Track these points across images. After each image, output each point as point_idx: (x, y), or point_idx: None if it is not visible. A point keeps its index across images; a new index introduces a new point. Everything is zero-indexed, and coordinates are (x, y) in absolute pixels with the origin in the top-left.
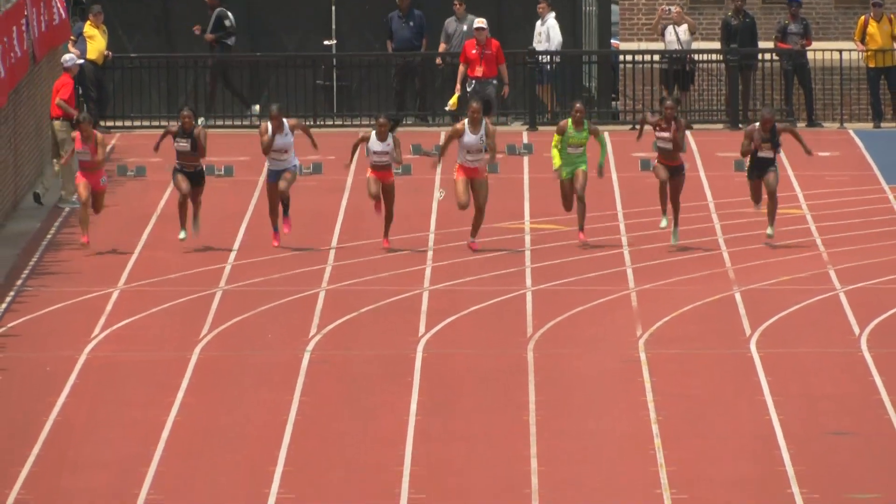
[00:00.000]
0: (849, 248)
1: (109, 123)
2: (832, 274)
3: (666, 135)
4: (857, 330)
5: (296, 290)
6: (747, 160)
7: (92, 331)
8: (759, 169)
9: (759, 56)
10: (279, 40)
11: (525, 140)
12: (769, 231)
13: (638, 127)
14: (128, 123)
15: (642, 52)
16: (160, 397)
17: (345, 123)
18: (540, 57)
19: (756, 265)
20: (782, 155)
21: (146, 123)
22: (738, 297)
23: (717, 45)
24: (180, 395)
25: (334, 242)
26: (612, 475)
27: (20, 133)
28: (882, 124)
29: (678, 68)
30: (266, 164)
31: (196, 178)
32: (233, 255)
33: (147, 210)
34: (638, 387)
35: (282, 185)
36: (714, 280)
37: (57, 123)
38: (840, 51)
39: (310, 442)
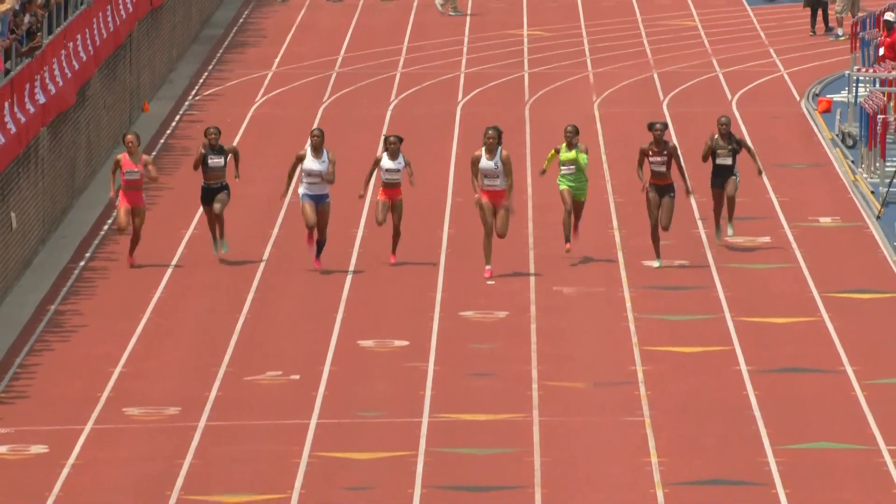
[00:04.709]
0: (726, 45)
1: None
2: (714, 62)
3: (659, 159)
4: (730, 96)
5: (381, 72)
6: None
7: (256, 96)
8: (720, 176)
9: None
10: None
11: None
12: (729, 232)
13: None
14: None
15: None
16: (299, 137)
17: None
18: None
19: (668, 56)
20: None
21: None
22: (655, 77)
23: None
24: None
25: (405, 46)
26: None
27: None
28: None
29: None
30: (300, 188)
31: (220, 190)
32: (343, 48)
33: (289, 23)
34: (593, 133)
35: (319, 225)
36: (640, 67)
37: None
38: None
39: None
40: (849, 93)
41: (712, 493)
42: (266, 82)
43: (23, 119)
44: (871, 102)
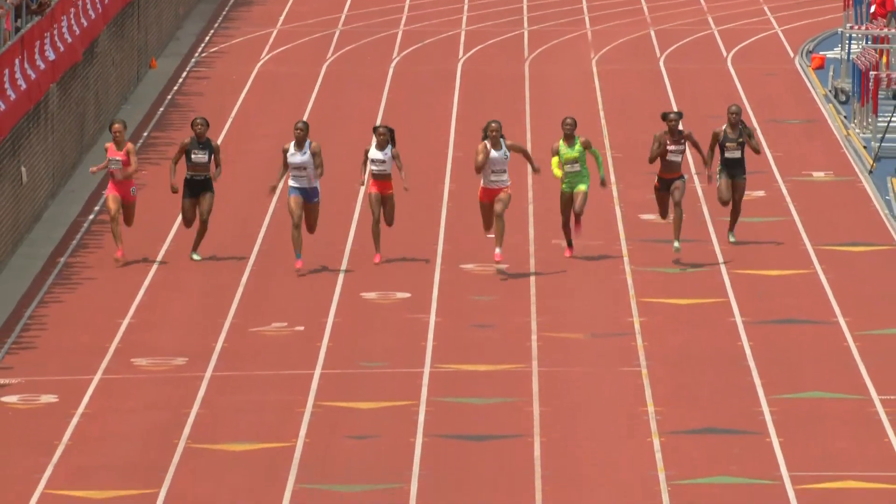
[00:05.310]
0: (721, 3)
1: None
2: (710, 19)
3: (676, 148)
4: (725, 53)
5: (382, 30)
6: (716, 166)
7: (261, 53)
8: (730, 169)
9: None
10: None
11: None
12: (731, 238)
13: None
14: None
15: None
16: (303, 94)
17: None
18: None
19: (665, 14)
20: None
21: None
22: (652, 34)
23: None
24: (314, 94)
25: (406, 4)
26: None
27: None
28: None
29: None
30: (290, 181)
31: (205, 186)
32: (346, 6)
33: None
34: (591, 90)
35: (308, 222)
36: (637, 24)
37: None
38: None
39: (395, 116)
40: (842, 49)
41: (707, 441)
42: (271, 40)
43: (33, 75)
44: (863, 59)
